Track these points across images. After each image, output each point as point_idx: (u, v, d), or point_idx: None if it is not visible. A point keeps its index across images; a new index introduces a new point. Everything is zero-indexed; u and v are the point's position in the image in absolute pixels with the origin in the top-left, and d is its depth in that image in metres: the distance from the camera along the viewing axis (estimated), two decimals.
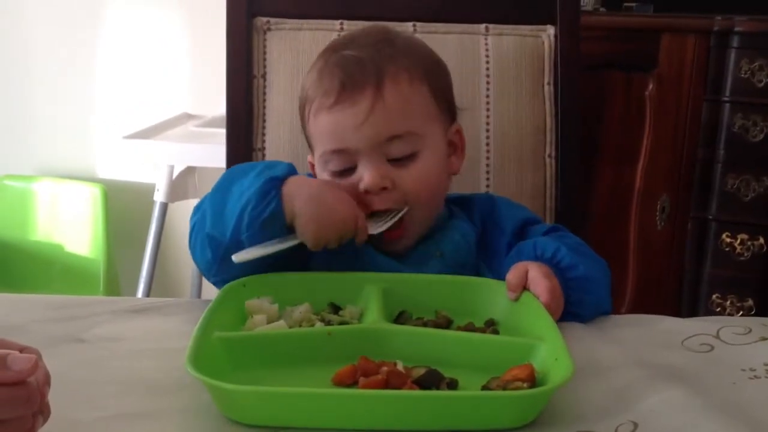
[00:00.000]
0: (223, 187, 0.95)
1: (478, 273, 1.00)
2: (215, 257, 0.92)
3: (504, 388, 0.71)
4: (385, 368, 0.72)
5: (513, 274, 0.90)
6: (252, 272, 0.91)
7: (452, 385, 0.73)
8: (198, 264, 0.97)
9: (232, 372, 0.72)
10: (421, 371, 0.73)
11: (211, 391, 0.68)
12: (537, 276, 0.89)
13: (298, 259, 0.94)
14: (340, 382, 0.73)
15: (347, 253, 0.95)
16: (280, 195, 0.90)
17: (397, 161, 0.97)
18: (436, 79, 1.03)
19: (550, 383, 0.70)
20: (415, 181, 0.97)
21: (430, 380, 0.72)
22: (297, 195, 0.91)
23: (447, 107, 1.04)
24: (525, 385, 0.71)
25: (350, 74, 0.97)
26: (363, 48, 1.00)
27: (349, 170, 0.98)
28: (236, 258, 0.88)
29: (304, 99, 1.03)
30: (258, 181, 0.91)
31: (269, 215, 0.89)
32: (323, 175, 1.01)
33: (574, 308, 0.92)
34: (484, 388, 0.72)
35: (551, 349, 0.76)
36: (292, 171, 0.94)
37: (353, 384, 0.73)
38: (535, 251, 0.96)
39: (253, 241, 0.89)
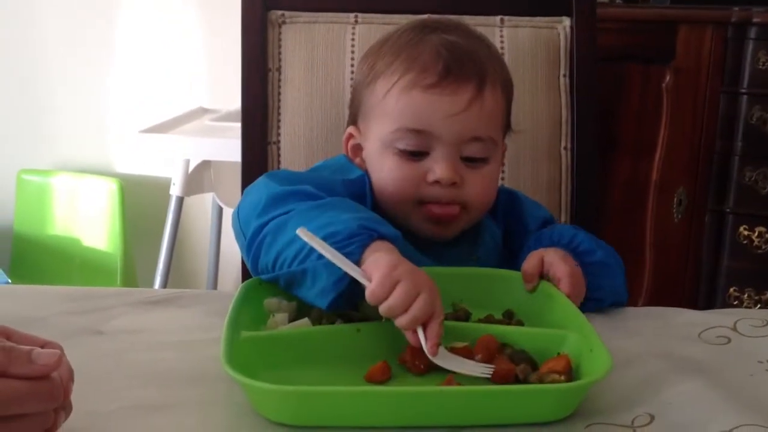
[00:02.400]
0: (320, 206, 0.85)
1: None
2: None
3: (541, 381, 0.71)
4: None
5: (528, 263, 0.90)
6: None
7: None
8: (249, 257, 0.88)
9: (264, 371, 0.71)
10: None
11: (250, 392, 0.68)
12: (554, 260, 0.88)
13: None
14: (372, 380, 0.73)
15: None
16: (366, 244, 0.79)
17: (469, 162, 0.96)
18: (510, 94, 1.03)
19: (589, 375, 0.70)
20: (480, 186, 0.97)
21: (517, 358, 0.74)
22: (384, 250, 0.78)
23: (508, 123, 1.04)
24: (562, 378, 0.71)
25: (457, 60, 0.94)
26: (466, 38, 0.98)
27: (419, 154, 0.95)
28: (300, 232, 0.77)
29: (376, 70, 0.98)
30: (356, 221, 0.80)
31: (346, 254, 0.78)
32: (386, 154, 0.96)
33: (594, 294, 0.91)
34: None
35: (583, 340, 0.75)
36: (394, 236, 0.82)
37: (386, 381, 0.73)
38: (551, 238, 0.95)
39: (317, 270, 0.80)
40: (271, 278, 0.85)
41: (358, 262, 0.78)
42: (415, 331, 0.74)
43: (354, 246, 0.78)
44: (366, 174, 1.00)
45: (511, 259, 1.01)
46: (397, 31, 1.01)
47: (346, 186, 0.97)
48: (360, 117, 1.02)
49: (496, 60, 1.01)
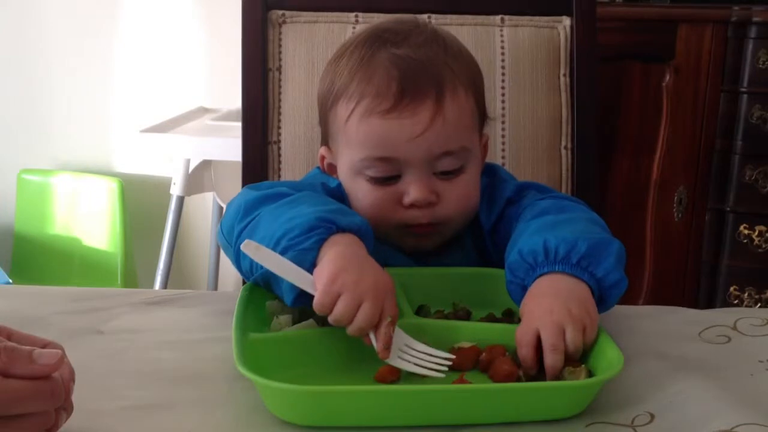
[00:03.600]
0: (289, 202, 0.85)
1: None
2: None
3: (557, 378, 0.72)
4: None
5: (521, 347, 0.76)
6: None
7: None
8: (237, 264, 0.88)
9: (273, 372, 0.70)
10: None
11: (268, 393, 0.68)
12: (547, 333, 0.75)
13: None
14: (382, 379, 0.73)
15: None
16: (324, 238, 0.79)
17: (444, 175, 0.93)
18: (479, 86, 0.99)
19: (598, 372, 0.71)
20: (460, 197, 0.94)
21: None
22: (341, 244, 0.79)
23: (482, 115, 1.00)
24: (582, 366, 0.72)
25: (411, 80, 0.91)
26: (417, 48, 0.93)
27: (391, 178, 0.93)
28: (244, 247, 0.78)
29: (335, 91, 0.95)
30: (315, 214, 0.80)
31: (302, 250, 0.78)
32: (358, 180, 0.94)
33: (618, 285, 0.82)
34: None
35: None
36: (356, 227, 0.82)
37: (395, 381, 0.73)
38: (543, 247, 0.82)
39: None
40: (253, 280, 0.85)
41: (315, 258, 0.78)
42: (367, 335, 0.75)
43: (311, 241, 0.78)
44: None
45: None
46: (351, 43, 0.97)
47: (327, 191, 0.96)
48: (329, 138, 1.00)
49: (454, 59, 0.95)
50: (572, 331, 0.74)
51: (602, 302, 0.82)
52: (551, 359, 0.72)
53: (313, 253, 0.78)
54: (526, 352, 0.74)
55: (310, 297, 0.77)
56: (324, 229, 0.79)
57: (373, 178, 0.93)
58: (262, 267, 0.80)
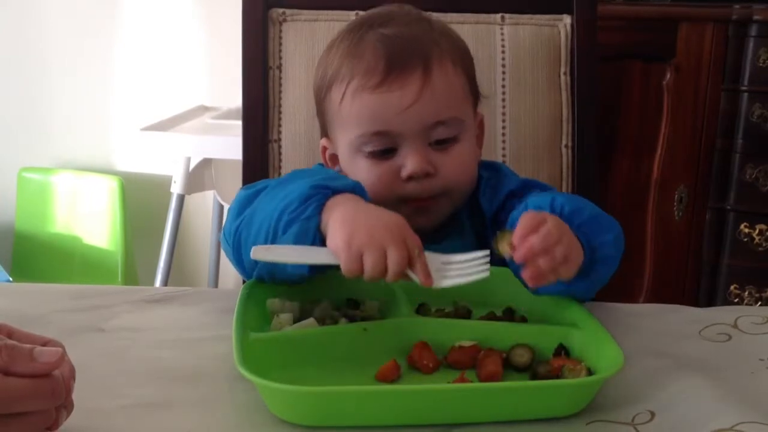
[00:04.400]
0: (281, 182, 0.88)
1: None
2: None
3: (558, 376, 0.72)
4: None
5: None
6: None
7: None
8: (237, 263, 0.90)
9: (274, 372, 0.70)
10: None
11: (268, 394, 0.68)
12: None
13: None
14: (383, 378, 0.73)
15: None
16: (322, 203, 0.81)
17: (439, 146, 0.96)
18: (469, 63, 1.02)
19: (599, 371, 0.71)
20: (456, 167, 0.96)
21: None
22: (340, 204, 0.81)
23: (475, 92, 1.03)
24: (582, 364, 0.72)
25: (397, 54, 0.94)
26: (403, 27, 0.97)
27: (388, 152, 0.96)
28: (254, 254, 0.79)
29: (328, 79, 0.98)
30: (308, 184, 0.83)
31: (305, 219, 0.80)
32: (357, 158, 0.97)
33: (602, 252, 0.83)
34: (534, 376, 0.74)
35: (591, 336, 0.76)
36: (353, 188, 0.84)
37: (396, 380, 0.73)
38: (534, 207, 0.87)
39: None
40: (258, 275, 0.86)
41: (319, 224, 0.80)
42: (405, 276, 0.76)
43: (311, 209, 0.80)
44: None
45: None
46: (340, 34, 1.02)
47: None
48: (327, 127, 1.03)
49: (440, 35, 0.99)
50: (552, 226, 0.76)
51: (586, 273, 0.82)
52: (530, 240, 0.75)
53: (315, 219, 0.80)
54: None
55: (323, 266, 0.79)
56: (321, 195, 0.81)
57: (370, 153, 0.96)
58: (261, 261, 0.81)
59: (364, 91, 0.94)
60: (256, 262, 0.84)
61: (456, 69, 0.98)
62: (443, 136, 0.96)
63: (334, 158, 1.03)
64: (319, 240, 0.80)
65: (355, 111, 0.96)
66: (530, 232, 0.76)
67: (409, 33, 0.97)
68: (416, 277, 0.75)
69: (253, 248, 0.80)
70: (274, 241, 0.82)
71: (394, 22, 0.98)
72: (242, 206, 0.89)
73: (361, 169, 0.97)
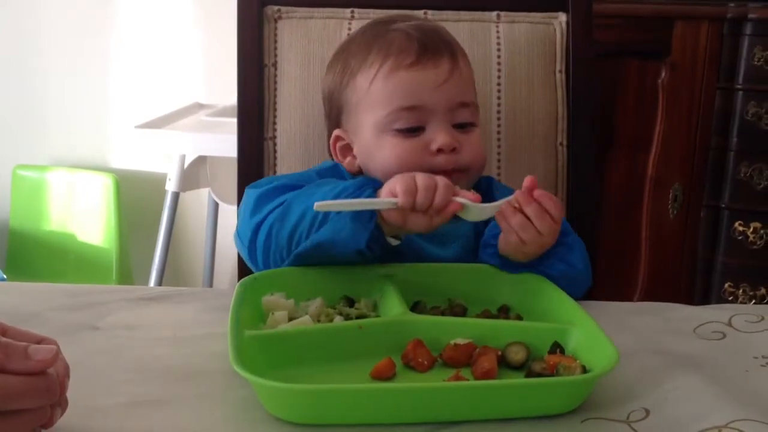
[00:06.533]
0: (316, 185, 0.95)
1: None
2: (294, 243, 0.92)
3: (553, 374, 0.72)
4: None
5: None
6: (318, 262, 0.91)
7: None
8: (267, 252, 0.94)
9: (269, 369, 0.71)
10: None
11: (262, 392, 0.68)
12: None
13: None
14: (379, 376, 0.73)
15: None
16: (376, 188, 0.90)
17: (460, 128, 1.02)
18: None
19: (595, 368, 0.71)
20: (474, 149, 1.02)
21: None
22: (389, 181, 0.91)
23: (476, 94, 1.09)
24: (577, 362, 0.72)
25: (429, 38, 1.02)
26: (424, 22, 1.07)
27: (416, 130, 1.00)
28: (317, 206, 0.85)
29: (352, 68, 1.03)
30: (353, 182, 0.92)
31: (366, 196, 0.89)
32: (384, 137, 1.01)
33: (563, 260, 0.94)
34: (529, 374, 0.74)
35: (586, 333, 0.76)
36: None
37: (392, 377, 0.73)
38: None
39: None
40: (294, 257, 0.91)
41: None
42: (456, 203, 0.87)
43: (369, 191, 0.89)
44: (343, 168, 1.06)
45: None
46: (357, 34, 1.09)
47: (320, 174, 1.04)
48: (344, 117, 1.06)
49: (452, 38, 1.08)
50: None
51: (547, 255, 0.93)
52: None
53: (373, 195, 0.88)
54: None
55: (377, 236, 0.88)
56: (370, 187, 0.90)
57: (399, 130, 1.01)
58: (306, 237, 0.89)
59: (399, 70, 1.00)
60: (279, 252, 0.91)
61: (469, 66, 1.06)
62: (464, 119, 1.02)
63: (346, 150, 1.06)
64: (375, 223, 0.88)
65: (390, 88, 1.00)
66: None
67: (432, 27, 1.07)
68: (464, 199, 0.87)
69: (317, 203, 0.85)
70: (324, 223, 0.88)
71: (414, 19, 1.07)
72: (260, 201, 0.95)
73: (388, 146, 1.01)
